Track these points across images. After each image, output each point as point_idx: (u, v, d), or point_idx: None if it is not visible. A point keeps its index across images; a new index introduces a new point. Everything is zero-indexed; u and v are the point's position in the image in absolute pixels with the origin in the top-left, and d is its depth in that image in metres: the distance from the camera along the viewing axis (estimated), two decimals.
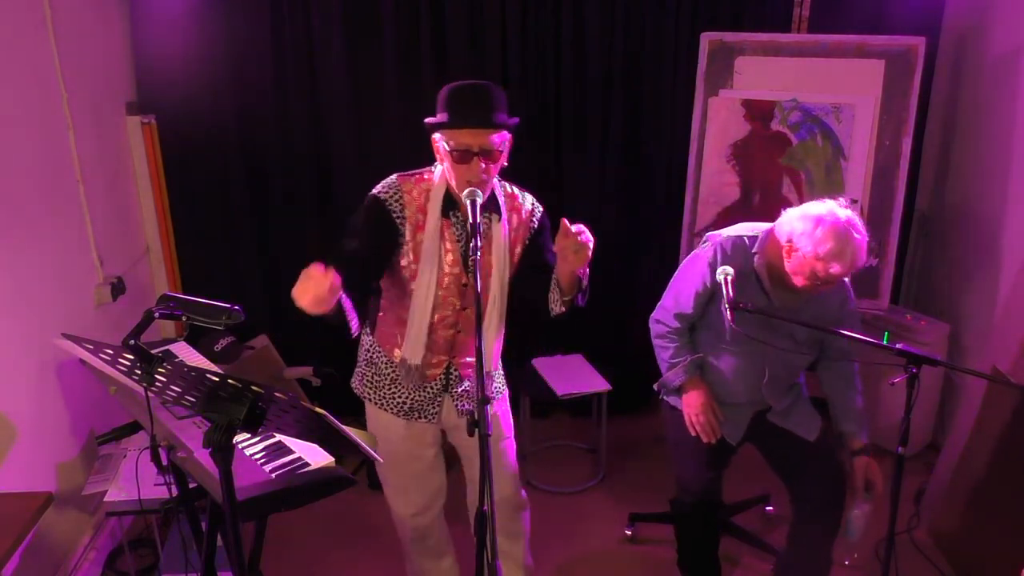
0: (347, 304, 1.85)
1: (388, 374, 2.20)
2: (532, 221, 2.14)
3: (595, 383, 3.43)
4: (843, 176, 3.24)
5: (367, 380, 2.25)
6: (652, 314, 2.44)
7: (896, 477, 1.94)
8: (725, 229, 2.31)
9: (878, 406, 3.43)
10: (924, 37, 3.15)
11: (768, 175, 3.34)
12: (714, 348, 2.35)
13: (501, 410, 2.31)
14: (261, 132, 3.53)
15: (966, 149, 3.62)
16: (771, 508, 3.21)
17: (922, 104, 3.33)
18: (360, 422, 3.60)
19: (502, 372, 2.32)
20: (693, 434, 2.35)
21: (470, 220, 1.84)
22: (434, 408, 2.21)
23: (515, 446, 2.36)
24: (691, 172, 3.44)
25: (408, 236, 2.04)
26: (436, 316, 2.10)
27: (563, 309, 2.05)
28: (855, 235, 2.03)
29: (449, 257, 2.05)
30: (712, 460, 2.42)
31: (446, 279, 2.06)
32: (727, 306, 2.05)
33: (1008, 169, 3.25)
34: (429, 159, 2.06)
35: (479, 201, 1.85)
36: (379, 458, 1.75)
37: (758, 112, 3.31)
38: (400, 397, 2.20)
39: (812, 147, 3.27)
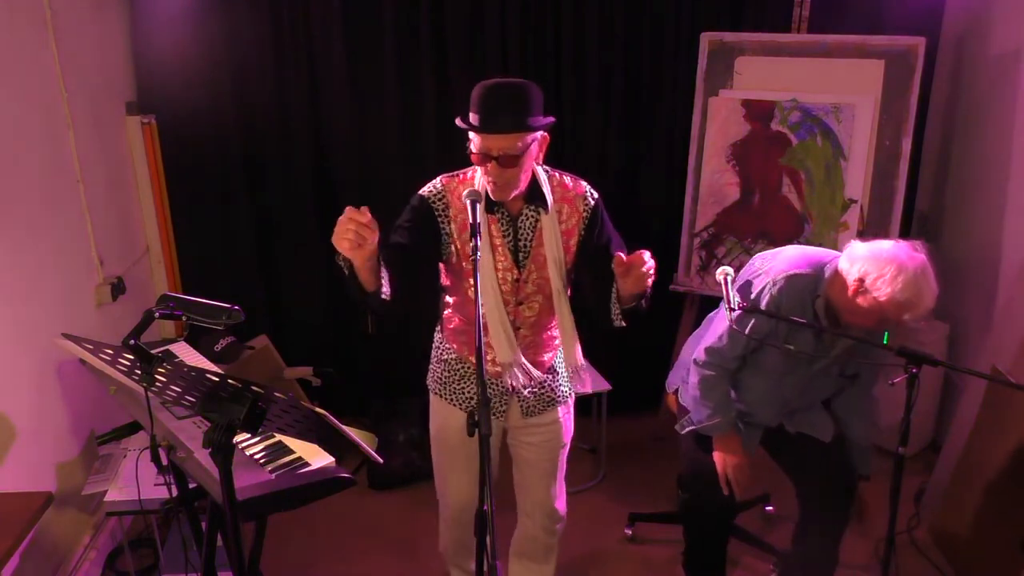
0: (385, 272, 1.82)
1: (458, 370, 2.22)
2: (585, 210, 2.11)
3: (595, 383, 3.42)
4: (843, 176, 3.24)
5: (436, 376, 2.28)
6: (696, 356, 2.33)
7: (896, 477, 1.94)
8: (778, 255, 2.20)
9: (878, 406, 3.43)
10: (924, 37, 3.15)
11: (768, 175, 3.34)
12: (753, 373, 2.32)
13: (564, 415, 2.31)
14: (261, 132, 3.54)
15: (966, 149, 3.62)
16: (771, 508, 3.21)
17: (922, 104, 3.33)
18: (360, 422, 3.64)
19: (567, 374, 2.30)
20: (726, 492, 2.33)
21: (470, 220, 1.84)
22: (501, 406, 2.23)
23: (566, 454, 2.36)
24: (691, 172, 3.44)
25: (455, 235, 2.05)
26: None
27: (624, 323, 2.02)
28: (932, 283, 1.98)
29: (498, 252, 2.06)
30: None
31: (499, 275, 2.07)
32: (727, 308, 2.05)
33: (1008, 169, 3.25)
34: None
35: (479, 202, 1.85)
36: (379, 459, 1.75)
37: (758, 112, 3.31)
38: (468, 393, 2.22)
39: (812, 147, 3.27)
